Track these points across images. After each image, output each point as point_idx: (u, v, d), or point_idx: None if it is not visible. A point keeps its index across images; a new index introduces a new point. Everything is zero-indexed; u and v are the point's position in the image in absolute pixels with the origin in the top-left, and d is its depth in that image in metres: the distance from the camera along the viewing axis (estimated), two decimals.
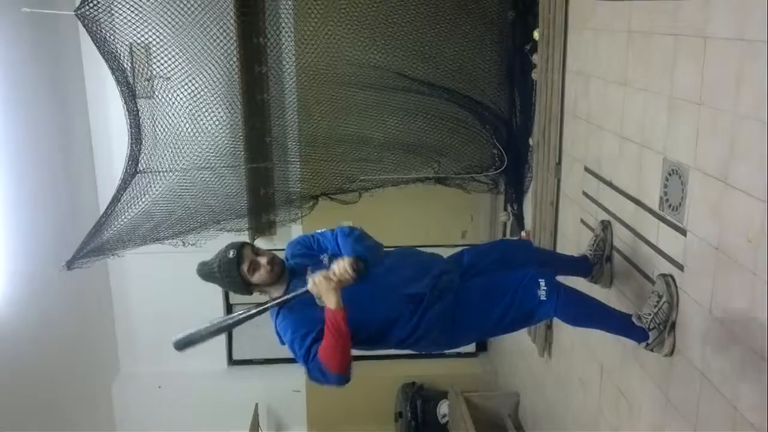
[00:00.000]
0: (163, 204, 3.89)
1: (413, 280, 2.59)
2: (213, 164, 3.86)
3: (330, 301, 2.30)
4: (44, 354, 4.37)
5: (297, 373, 5.50)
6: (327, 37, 3.90)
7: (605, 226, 3.01)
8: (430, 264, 2.70)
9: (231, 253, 2.53)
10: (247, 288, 2.56)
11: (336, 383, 2.36)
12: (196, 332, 2.45)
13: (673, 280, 2.42)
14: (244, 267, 2.51)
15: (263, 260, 2.54)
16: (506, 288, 2.55)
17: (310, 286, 2.34)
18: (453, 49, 4.04)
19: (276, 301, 2.48)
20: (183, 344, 2.45)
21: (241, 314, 2.49)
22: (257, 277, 2.53)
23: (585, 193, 3.26)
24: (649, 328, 2.47)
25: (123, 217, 3.86)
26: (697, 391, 2.29)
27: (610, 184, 2.97)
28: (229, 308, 5.66)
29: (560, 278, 2.84)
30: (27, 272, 4.18)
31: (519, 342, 4.44)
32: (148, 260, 4.78)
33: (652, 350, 2.51)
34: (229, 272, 2.52)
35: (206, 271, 2.59)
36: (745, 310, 2.01)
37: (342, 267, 2.31)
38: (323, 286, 2.30)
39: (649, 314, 2.46)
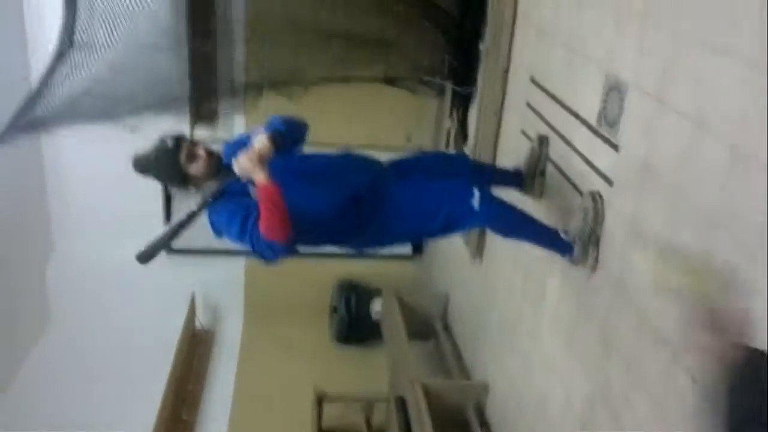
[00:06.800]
0: (100, 81, 3.72)
1: (351, 180, 2.65)
2: (153, 41, 3.67)
3: (259, 176, 2.33)
4: None
5: (235, 264, 5.56)
6: None
7: (542, 140, 3.06)
8: (368, 166, 2.78)
9: (169, 142, 2.52)
10: (184, 180, 2.53)
11: (284, 252, 2.43)
12: (153, 241, 2.46)
13: (600, 196, 2.50)
14: (182, 156, 2.49)
15: (201, 151, 2.52)
16: (441, 195, 2.63)
17: (236, 168, 2.36)
18: None
19: (213, 191, 2.49)
20: (145, 256, 2.45)
21: (186, 214, 2.48)
22: (195, 168, 2.51)
23: (529, 105, 3.27)
24: (574, 242, 2.57)
25: (58, 91, 3.68)
26: (610, 302, 2.41)
27: (553, 97, 2.98)
28: (167, 196, 5.59)
29: (494, 190, 2.90)
30: None
31: (453, 247, 4.56)
32: (84, 138, 4.62)
33: (575, 264, 2.62)
34: (167, 161, 2.50)
35: (142, 162, 2.55)
36: (663, 226, 2.10)
37: (261, 141, 2.36)
38: (247, 164, 2.33)
39: (575, 228, 2.55)
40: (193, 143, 2.56)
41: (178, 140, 2.52)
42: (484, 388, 3.83)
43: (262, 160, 2.33)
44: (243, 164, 2.33)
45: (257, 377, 4.88)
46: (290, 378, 4.80)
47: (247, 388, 4.79)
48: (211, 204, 2.50)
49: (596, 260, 2.53)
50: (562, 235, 2.61)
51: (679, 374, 1.97)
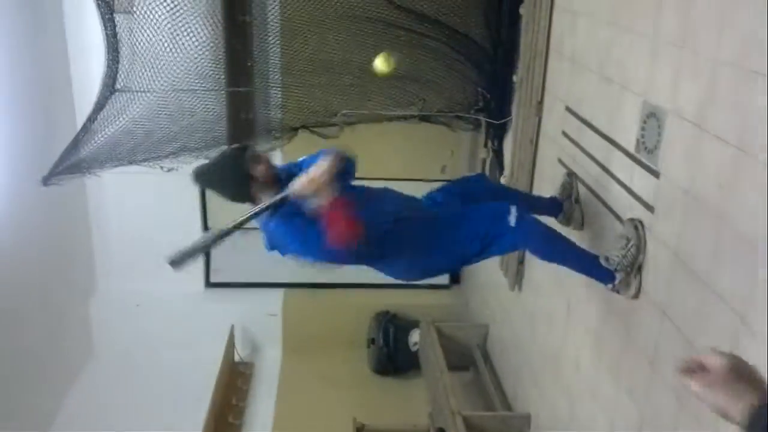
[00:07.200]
0: (141, 124, 3.84)
1: (389, 207, 2.70)
2: (193, 86, 3.79)
3: (325, 193, 2.35)
4: (18, 270, 4.38)
5: (273, 297, 5.61)
6: None
7: (571, 176, 3.13)
8: (405, 198, 2.83)
9: (236, 145, 2.65)
10: (247, 183, 2.51)
11: (353, 257, 2.53)
12: (190, 247, 2.42)
13: (642, 224, 2.48)
14: (248, 157, 2.53)
15: (264, 157, 2.59)
16: (478, 216, 2.66)
17: (297, 185, 2.38)
18: None
19: (262, 206, 2.47)
20: (178, 260, 2.40)
21: (229, 224, 2.45)
22: (259, 170, 2.52)
23: (564, 133, 3.27)
24: (616, 270, 2.54)
25: (100, 135, 3.81)
26: (657, 330, 2.38)
27: (589, 125, 2.98)
28: (206, 229, 5.68)
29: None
30: (2, 187, 4.14)
31: (491, 276, 4.54)
32: (127, 179, 4.76)
33: (617, 292, 2.59)
34: (233, 160, 2.54)
35: (205, 168, 2.60)
36: (709, 254, 2.08)
37: (330, 160, 2.38)
38: (311, 185, 2.35)
39: (617, 257, 2.53)
40: (256, 151, 2.64)
41: (245, 146, 2.63)
42: (526, 419, 3.78)
43: (328, 178, 2.36)
44: (306, 185, 2.35)
45: (296, 409, 4.88)
46: (329, 410, 4.77)
47: (286, 420, 4.78)
48: (258, 216, 2.48)
49: (639, 287, 2.51)
50: (603, 262, 2.59)
51: None
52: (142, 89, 3.69)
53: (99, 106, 3.71)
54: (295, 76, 4.05)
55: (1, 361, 4.18)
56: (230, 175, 2.54)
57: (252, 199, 2.53)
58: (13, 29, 4.30)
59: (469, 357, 4.73)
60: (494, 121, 4.19)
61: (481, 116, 4.29)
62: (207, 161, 2.62)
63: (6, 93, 4.22)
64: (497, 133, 4.31)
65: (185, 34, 3.68)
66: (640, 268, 2.49)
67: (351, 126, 4.08)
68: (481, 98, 4.23)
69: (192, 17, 3.73)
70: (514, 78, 3.95)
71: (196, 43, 3.76)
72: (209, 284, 5.81)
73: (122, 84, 3.69)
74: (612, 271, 2.55)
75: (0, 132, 4.15)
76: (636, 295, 2.53)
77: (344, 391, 5.04)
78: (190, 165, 3.99)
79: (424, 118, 4.23)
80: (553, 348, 3.45)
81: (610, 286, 2.59)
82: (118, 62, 3.62)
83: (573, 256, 2.71)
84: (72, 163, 3.85)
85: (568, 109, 3.23)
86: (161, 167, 3.96)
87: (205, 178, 2.59)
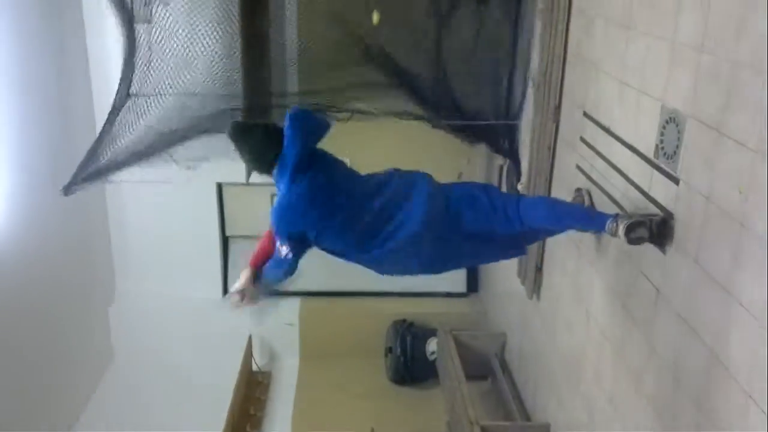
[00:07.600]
0: (158, 128, 3.87)
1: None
2: (209, 90, 3.82)
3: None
4: (41, 277, 4.43)
5: (290, 306, 5.61)
6: None
7: (580, 191, 3.15)
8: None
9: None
10: (279, 154, 2.62)
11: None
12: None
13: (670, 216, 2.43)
14: None
15: None
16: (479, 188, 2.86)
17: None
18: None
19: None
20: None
21: None
22: None
23: (582, 139, 3.24)
24: (616, 216, 2.53)
25: (119, 140, 3.85)
26: (677, 338, 2.33)
27: (607, 130, 2.95)
28: (224, 240, 5.71)
29: None
30: (23, 195, 4.19)
31: (508, 284, 4.50)
32: (146, 187, 4.79)
33: (615, 228, 2.49)
34: (277, 127, 2.70)
35: (247, 125, 2.83)
36: (730, 260, 2.03)
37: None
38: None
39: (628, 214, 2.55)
40: None
41: None
42: (545, 429, 3.73)
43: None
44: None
45: (314, 419, 4.87)
46: (347, 420, 4.76)
47: (304, 430, 4.77)
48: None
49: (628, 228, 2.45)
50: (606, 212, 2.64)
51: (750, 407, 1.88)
52: (158, 93, 3.73)
53: (115, 112, 3.76)
54: (311, 80, 4.07)
55: (24, 365, 4.23)
56: (273, 140, 2.64)
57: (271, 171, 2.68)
58: (34, 38, 4.36)
59: (487, 366, 4.69)
60: (511, 122, 4.17)
61: (496, 122, 4.27)
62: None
63: (27, 102, 4.28)
64: (513, 140, 4.27)
65: (202, 39, 3.71)
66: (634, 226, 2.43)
67: (363, 122, 4.08)
68: (496, 105, 4.21)
69: (209, 22, 3.77)
70: (530, 83, 3.92)
71: (213, 48, 3.79)
72: (227, 293, 5.82)
73: (138, 89, 3.74)
74: (609, 216, 2.55)
75: (21, 139, 4.20)
76: (623, 232, 2.45)
77: (362, 401, 5.02)
78: (204, 168, 4.03)
79: (437, 126, 4.23)
80: (572, 357, 3.40)
81: (610, 222, 2.53)
82: (135, 68, 3.66)
83: (573, 207, 2.88)
84: (92, 170, 3.89)
85: (585, 114, 3.20)
86: (175, 161, 4.00)
87: (244, 133, 2.71)
